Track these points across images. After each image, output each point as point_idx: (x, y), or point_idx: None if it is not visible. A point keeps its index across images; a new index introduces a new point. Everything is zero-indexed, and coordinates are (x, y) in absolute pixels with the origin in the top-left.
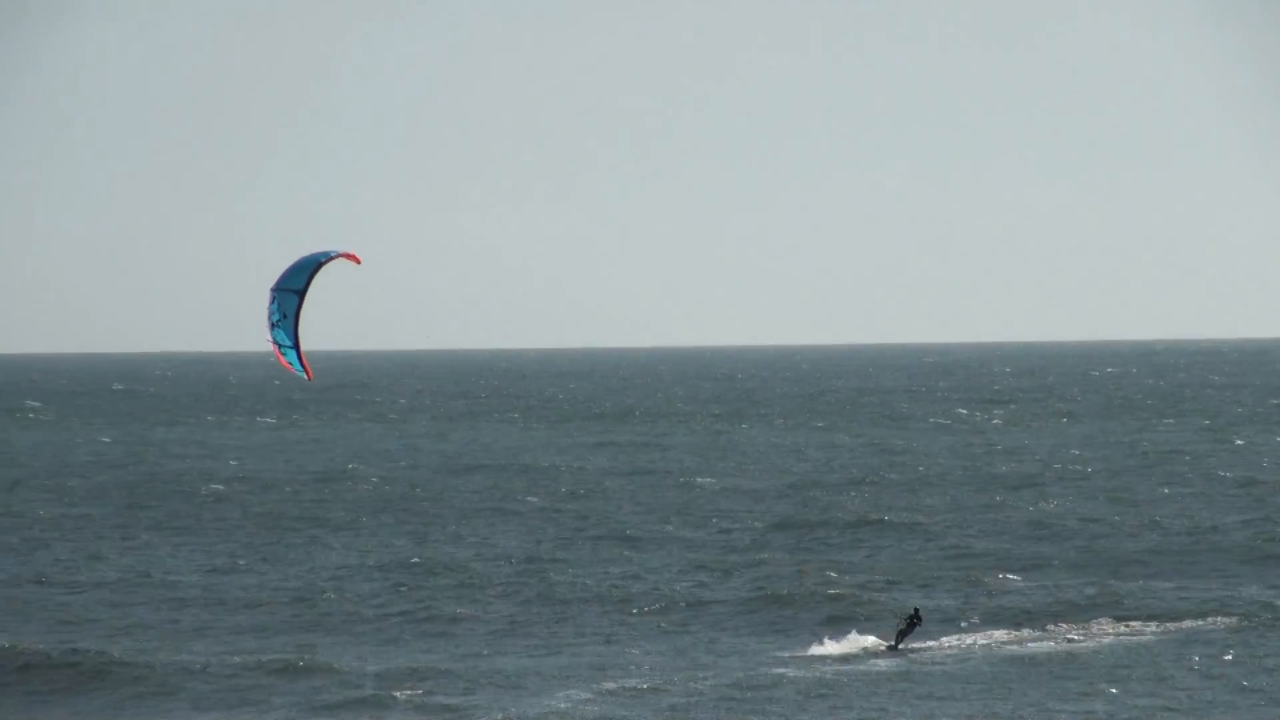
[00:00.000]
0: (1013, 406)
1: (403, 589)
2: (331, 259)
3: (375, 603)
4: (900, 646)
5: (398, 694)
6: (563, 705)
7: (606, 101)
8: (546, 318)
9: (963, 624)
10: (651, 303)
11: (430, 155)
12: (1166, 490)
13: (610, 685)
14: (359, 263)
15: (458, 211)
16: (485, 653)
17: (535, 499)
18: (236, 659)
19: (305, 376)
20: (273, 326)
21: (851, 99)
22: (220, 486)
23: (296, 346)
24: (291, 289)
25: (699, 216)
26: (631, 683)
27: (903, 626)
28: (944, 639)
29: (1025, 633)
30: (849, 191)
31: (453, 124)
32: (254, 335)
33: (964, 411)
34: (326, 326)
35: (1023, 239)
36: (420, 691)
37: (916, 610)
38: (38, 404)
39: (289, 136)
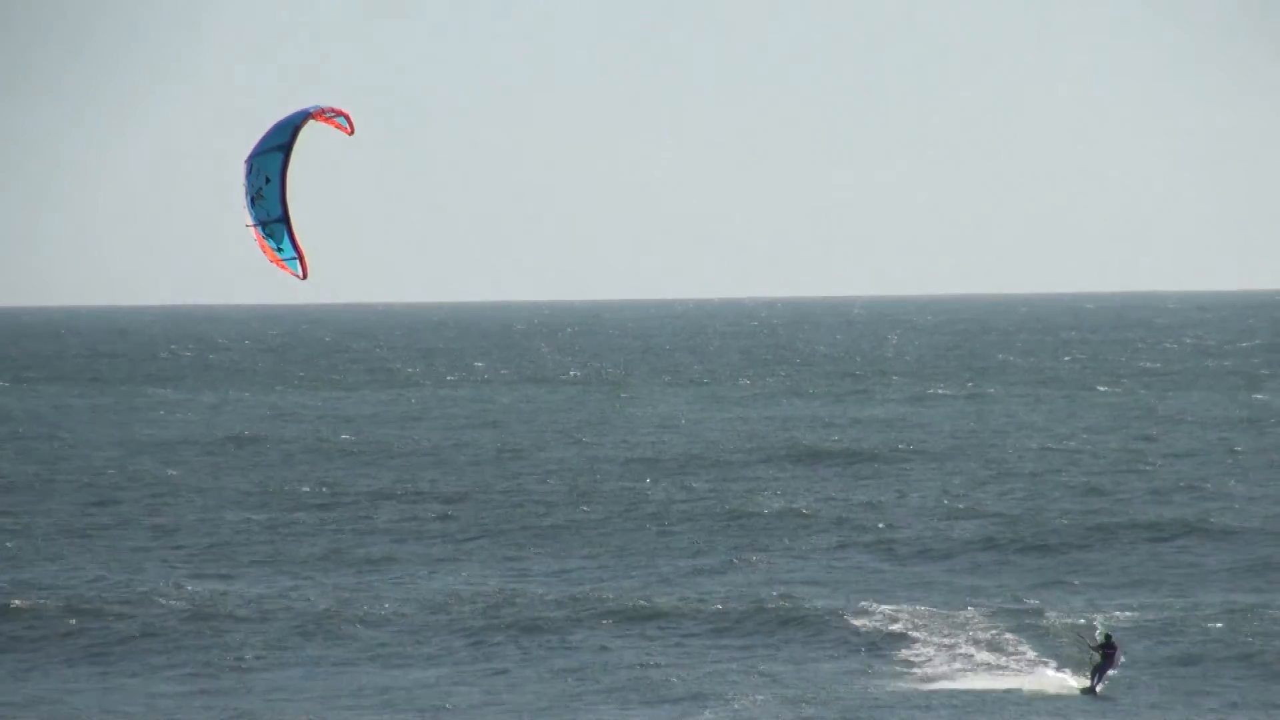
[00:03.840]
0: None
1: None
2: (320, 114)
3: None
4: (1099, 689)
5: None
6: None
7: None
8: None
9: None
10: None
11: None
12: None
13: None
14: (350, 131)
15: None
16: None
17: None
18: None
19: (299, 272)
20: (251, 202)
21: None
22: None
23: (287, 220)
24: (275, 146)
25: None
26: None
27: (1098, 661)
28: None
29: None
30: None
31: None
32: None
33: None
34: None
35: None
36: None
37: (1109, 638)
38: None
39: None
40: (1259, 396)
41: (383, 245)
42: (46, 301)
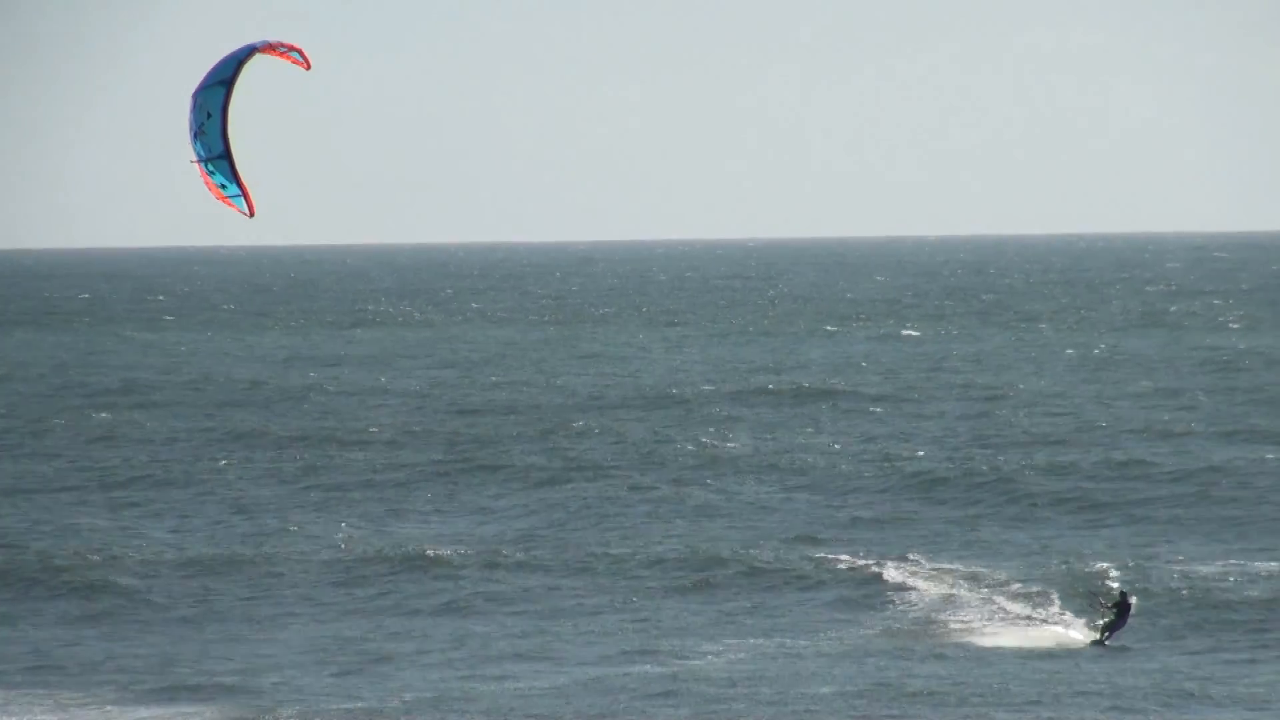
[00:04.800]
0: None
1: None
2: (270, 48)
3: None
4: (1108, 642)
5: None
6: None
7: None
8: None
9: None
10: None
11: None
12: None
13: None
14: (308, 67)
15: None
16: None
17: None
18: None
19: (245, 209)
20: (194, 137)
21: None
22: None
23: (228, 155)
24: (219, 81)
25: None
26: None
27: (1110, 618)
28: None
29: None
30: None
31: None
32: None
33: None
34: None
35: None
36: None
37: (1124, 595)
38: None
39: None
40: (1234, 341)
41: (394, 187)
42: (48, 244)
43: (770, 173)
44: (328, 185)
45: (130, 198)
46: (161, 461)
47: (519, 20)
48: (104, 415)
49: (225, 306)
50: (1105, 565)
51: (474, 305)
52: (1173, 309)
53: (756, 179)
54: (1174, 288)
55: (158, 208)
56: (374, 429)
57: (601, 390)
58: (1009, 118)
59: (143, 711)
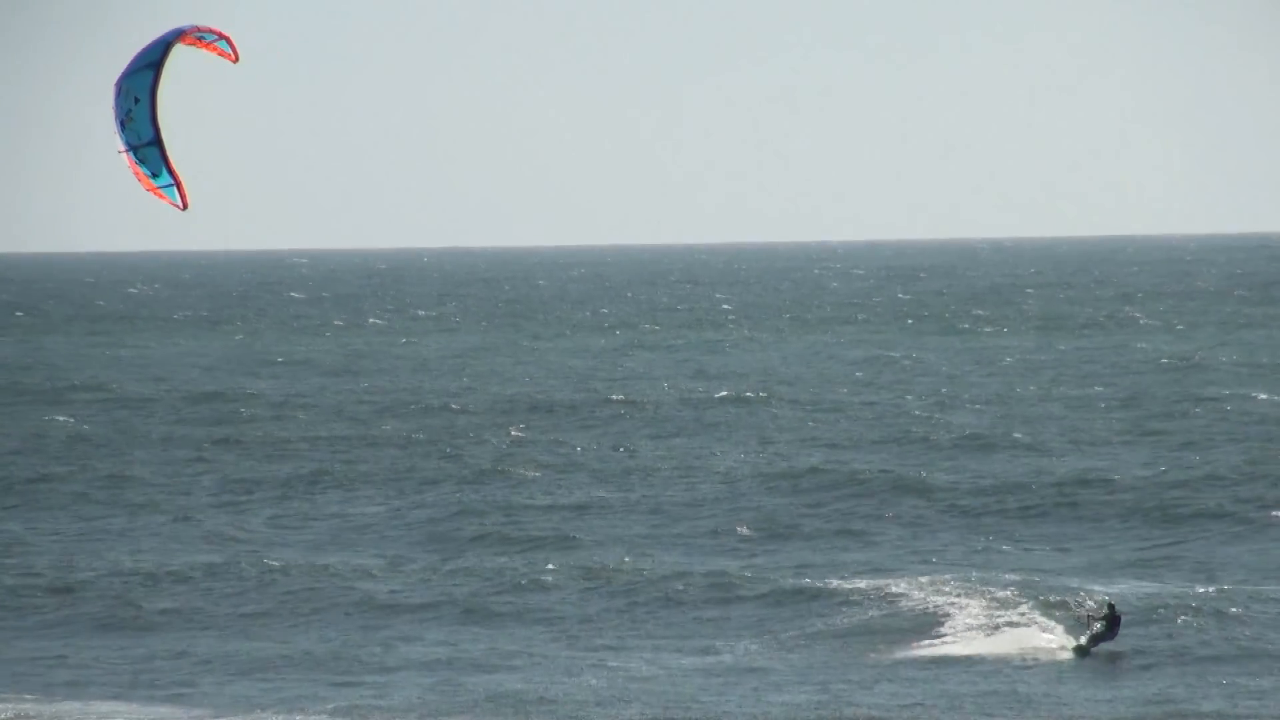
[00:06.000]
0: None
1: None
2: (194, 36)
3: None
4: (1093, 651)
5: None
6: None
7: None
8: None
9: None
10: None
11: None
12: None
13: None
14: (235, 59)
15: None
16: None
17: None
18: None
19: (178, 201)
20: (121, 126)
21: None
22: None
23: (159, 142)
24: (145, 65)
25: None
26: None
27: (1098, 629)
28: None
29: None
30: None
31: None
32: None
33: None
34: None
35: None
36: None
37: (1112, 606)
38: None
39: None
40: (1185, 344)
41: (380, 191)
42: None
43: (756, 178)
44: (314, 189)
45: (126, 201)
46: (67, 465)
47: (513, 23)
48: (30, 419)
49: (180, 314)
50: (1077, 578)
51: (430, 311)
52: (1134, 313)
53: (742, 184)
54: (1141, 293)
55: (156, 212)
56: (284, 435)
57: (528, 395)
58: (991, 121)
59: None
